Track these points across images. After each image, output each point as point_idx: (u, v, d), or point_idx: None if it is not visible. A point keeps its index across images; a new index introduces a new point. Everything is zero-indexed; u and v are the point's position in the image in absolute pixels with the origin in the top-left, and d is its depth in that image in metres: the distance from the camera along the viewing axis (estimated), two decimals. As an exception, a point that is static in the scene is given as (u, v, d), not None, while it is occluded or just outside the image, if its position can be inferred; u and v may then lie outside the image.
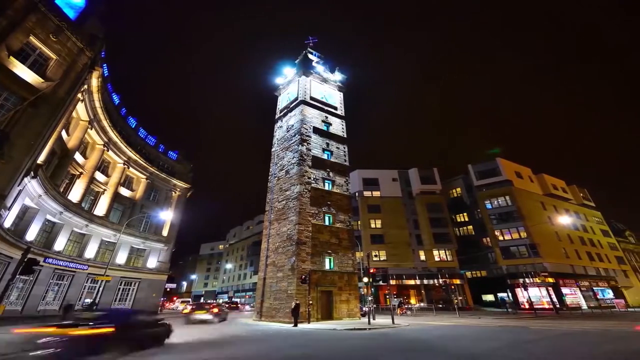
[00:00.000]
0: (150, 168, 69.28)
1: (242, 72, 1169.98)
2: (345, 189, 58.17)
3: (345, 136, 64.82)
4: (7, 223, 35.24)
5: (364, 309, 55.74)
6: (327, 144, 60.47)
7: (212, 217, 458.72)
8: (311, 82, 66.48)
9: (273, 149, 64.63)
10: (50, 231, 47.62)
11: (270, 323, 43.99)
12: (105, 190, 59.18)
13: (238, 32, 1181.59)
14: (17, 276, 26.91)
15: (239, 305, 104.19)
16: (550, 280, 79.10)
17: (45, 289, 45.45)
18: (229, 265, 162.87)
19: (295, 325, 38.28)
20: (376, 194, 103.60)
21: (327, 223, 52.73)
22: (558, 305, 72.02)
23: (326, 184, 56.21)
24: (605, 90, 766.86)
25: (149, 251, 65.91)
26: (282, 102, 70.83)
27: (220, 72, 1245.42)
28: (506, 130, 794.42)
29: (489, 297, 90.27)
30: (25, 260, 25.17)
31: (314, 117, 61.74)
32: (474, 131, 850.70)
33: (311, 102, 63.40)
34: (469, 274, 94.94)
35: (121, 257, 59.98)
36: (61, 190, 47.52)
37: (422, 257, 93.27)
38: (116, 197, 61.28)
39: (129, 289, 60.95)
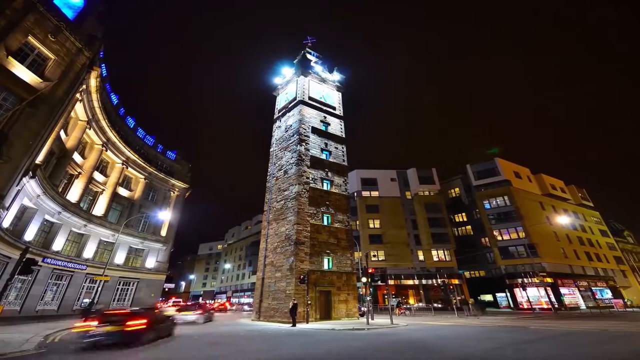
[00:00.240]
0: (149, 168, 69.33)
1: (241, 72, 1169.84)
2: (343, 189, 58.20)
3: (343, 136, 64.87)
4: (6, 223, 35.27)
5: (362, 309, 55.86)
6: (326, 144, 60.51)
7: (211, 217, 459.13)
8: (309, 82, 66.50)
9: (271, 149, 64.63)
10: (48, 231, 47.67)
11: (269, 323, 44.02)
12: (103, 190, 59.20)
13: (237, 32, 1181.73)
14: (16, 276, 26.93)
15: (231, 304, 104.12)
16: (549, 280, 79.24)
17: (43, 289, 45.51)
18: (227, 265, 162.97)
19: (294, 325, 38.28)
20: (375, 194, 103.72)
21: (325, 223, 52.76)
22: (556, 305, 72.24)
23: (325, 184, 56.25)
24: (606, 90, 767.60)
25: (148, 251, 65.95)
26: (280, 102, 70.82)
27: (219, 72, 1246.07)
28: (505, 130, 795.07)
29: (488, 297, 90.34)
30: (24, 260, 25.19)
31: (313, 117, 61.77)
32: (473, 131, 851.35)
33: (310, 102, 63.41)
34: (467, 274, 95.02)
35: (120, 257, 60.02)
36: (60, 190, 47.56)
37: (421, 257, 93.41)
38: (115, 197, 61.32)
39: (128, 289, 61.00)
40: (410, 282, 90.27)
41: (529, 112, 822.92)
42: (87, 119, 50.70)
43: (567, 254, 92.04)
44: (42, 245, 45.66)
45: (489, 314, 62.16)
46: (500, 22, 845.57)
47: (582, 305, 79.47)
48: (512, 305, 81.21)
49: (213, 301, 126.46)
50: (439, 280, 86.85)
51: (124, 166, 63.35)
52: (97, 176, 58.01)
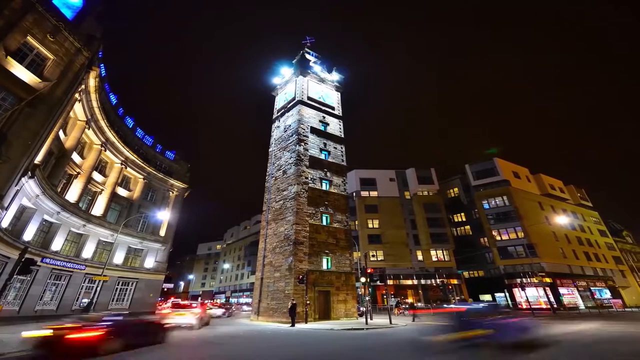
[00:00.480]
0: (148, 168, 69.26)
1: (241, 72, 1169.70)
2: (342, 189, 58.27)
3: (342, 136, 64.96)
4: (5, 223, 35.22)
5: (361, 309, 55.84)
6: (325, 144, 60.56)
7: (210, 217, 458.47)
8: (308, 82, 66.59)
9: (270, 149, 64.66)
10: (47, 231, 47.60)
11: (268, 323, 44.11)
12: (102, 190, 59.14)
13: (237, 32, 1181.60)
14: (15, 276, 26.91)
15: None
16: (548, 280, 79.32)
17: (42, 289, 45.40)
18: (226, 265, 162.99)
19: (293, 325, 38.29)
20: (373, 194, 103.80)
21: (324, 223, 52.83)
22: (555, 305, 72.30)
23: (323, 184, 56.30)
24: (606, 90, 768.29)
25: (147, 251, 65.91)
26: (279, 102, 70.88)
27: (218, 72, 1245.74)
28: (505, 130, 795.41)
29: (487, 297, 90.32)
30: (23, 260, 25.19)
31: (312, 117, 61.84)
32: (472, 131, 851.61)
33: (308, 102, 63.50)
34: (466, 274, 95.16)
35: (118, 257, 59.97)
36: (58, 190, 47.50)
37: (420, 257, 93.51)
38: (113, 197, 61.26)
39: (127, 289, 60.94)
40: (409, 282, 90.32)
41: (529, 112, 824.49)
42: (86, 119, 50.64)
43: (566, 254, 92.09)
44: (41, 245, 45.60)
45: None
46: (500, 22, 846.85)
47: (581, 305, 79.45)
48: (511, 305, 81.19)
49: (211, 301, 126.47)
50: (437, 280, 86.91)
51: (123, 166, 63.29)
52: (96, 176, 57.95)
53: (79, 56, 39.34)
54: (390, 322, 39.58)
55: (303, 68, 68.13)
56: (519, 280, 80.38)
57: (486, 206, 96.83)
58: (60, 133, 45.26)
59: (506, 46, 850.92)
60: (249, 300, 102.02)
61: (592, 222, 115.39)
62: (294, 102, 63.24)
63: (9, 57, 32.11)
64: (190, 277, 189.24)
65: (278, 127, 65.77)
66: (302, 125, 58.91)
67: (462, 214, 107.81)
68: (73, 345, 18.43)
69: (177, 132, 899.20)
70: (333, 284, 48.84)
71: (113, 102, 61.52)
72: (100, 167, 59.97)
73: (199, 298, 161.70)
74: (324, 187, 56.00)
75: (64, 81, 37.26)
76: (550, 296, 74.94)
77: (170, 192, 75.42)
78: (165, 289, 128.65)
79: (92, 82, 46.08)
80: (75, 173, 52.70)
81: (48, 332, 18.43)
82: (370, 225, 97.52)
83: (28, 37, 34.14)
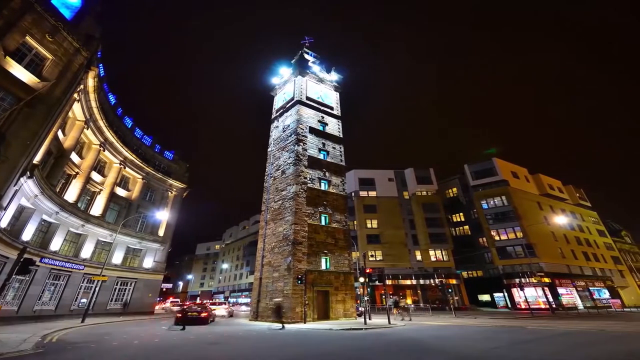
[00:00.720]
0: (147, 168, 69.36)
1: (240, 72, 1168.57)
2: (341, 189, 58.27)
3: (341, 136, 64.94)
4: (3, 223, 35.21)
5: (360, 308, 55.90)
6: (324, 144, 60.57)
7: (209, 217, 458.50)
8: (307, 82, 66.58)
9: (269, 149, 64.63)
10: (46, 231, 47.62)
11: (267, 323, 44.05)
12: (101, 190, 59.20)
13: (237, 32, 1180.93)
14: (14, 276, 26.87)
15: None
16: (547, 280, 79.35)
17: (41, 289, 45.38)
18: (225, 265, 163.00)
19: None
20: (372, 194, 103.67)
21: (323, 223, 52.85)
22: (554, 305, 72.27)
23: (322, 184, 56.31)
24: (606, 90, 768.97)
25: (145, 251, 65.98)
26: (278, 102, 70.87)
27: (218, 72, 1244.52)
28: (504, 130, 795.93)
29: (485, 297, 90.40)
30: (22, 260, 25.15)
31: (310, 117, 61.84)
32: (471, 131, 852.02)
33: (307, 102, 63.48)
34: (465, 274, 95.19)
35: (117, 257, 60.05)
36: (57, 190, 47.53)
37: (418, 257, 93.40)
38: (112, 197, 61.35)
39: (125, 288, 61.04)
40: (407, 282, 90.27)
41: (528, 112, 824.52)
42: (84, 119, 50.68)
43: (564, 254, 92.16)
44: (40, 245, 45.63)
45: (486, 314, 62.33)
46: (500, 23, 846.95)
47: (580, 305, 79.48)
48: (509, 305, 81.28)
49: (210, 301, 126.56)
50: (436, 280, 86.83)
51: (122, 166, 63.36)
52: (95, 176, 58.00)
53: (78, 56, 39.39)
54: (389, 322, 39.56)
55: (302, 68, 68.14)
56: (517, 280, 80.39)
57: (485, 206, 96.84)
58: (59, 133, 45.32)
59: (506, 46, 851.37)
60: (248, 300, 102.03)
61: (591, 222, 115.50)
62: (293, 102, 63.23)
63: (7, 57, 32.15)
64: (189, 277, 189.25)
65: (277, 127, 65.76)
66: (300, 125, 58.92)
67: (461, 214, 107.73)
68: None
69: (176, 132, 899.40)
70: (332, 284, 48.85)
71: (112, 102, 61.63)
72: (99, 167, 60.06)
73: (198, 298, 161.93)
74: (322, 187, 56.00)
75: (63, 81, 37.31)
76: (549, 296, 74.86)
77: (169, 192, 75.53)
78: (164, 289, 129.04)
79: (90, 82, 46.13)
80: (74, 173, 52.74)
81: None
82: (369, 225, 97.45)
83: (27, 37, 34.19)
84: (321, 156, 58.90)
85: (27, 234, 41.49)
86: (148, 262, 65.93)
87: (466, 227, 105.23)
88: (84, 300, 51.37)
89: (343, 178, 59.94)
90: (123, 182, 65.85)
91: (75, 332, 30.92)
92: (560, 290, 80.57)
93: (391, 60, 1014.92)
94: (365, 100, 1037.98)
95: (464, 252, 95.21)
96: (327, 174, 57.46)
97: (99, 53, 46.08)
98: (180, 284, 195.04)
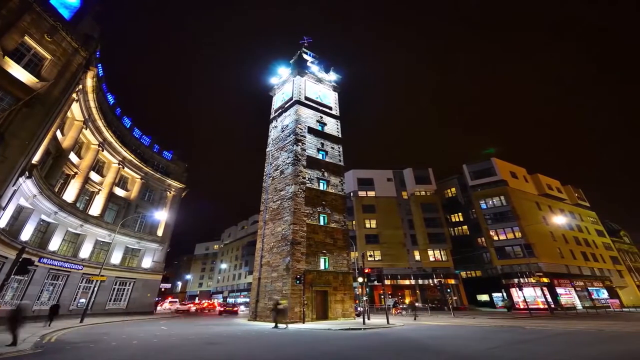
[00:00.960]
0: (145, 168, 69.39)
1: (238, 72, 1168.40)
2: (340, 189, 58.27)
3: (340, 136, 64.92)
4: (2, 223, 35.22)
5: (358, 308, 55.91)
6: (322, 144, 60.57)
7: (207, 217, 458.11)
8: (306, 82, 66.58)
9: (268, 149, 64.61)
10: (45, 231, 47.62)
11: (265, 323, 44.04)
12: (100, 190, 59.21)
13: (236, 32, 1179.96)
14: (12, 276, 26.92)
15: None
16: (545, 280, 79.34)
17: (40, 289, 45.44)
18: (223, 265, 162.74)
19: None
20: (371, 194, 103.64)
21: (321, 223, 52.84)
22: (553, 305, 72.31)
23: (321, 184, 56.30)
24: (603, 89, 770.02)
25: (144, 251, 66.01)
26: (276, 102, 70.86)
27: (216, 72, 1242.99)
28: (503, 130, 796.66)
29: (484, 297, 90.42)
30: (20, 260, 25.15)
31: (309, 117, 61.81)
32: (470, 131, 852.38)
33: (306, 102, 63.47)
34: (463, 274, 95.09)
35: (116, 257, 60.10)
36: (56, 190, 47.52)
37: (417, 257, 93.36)
38: (111, 197, 61.38)
39: (124, 288, 61.07)
40: (406, 282, 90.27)
41: (528, 112, 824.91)
42: (83, 119, 50.67)
43: (563, 254, 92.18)
44: (39, 245, 45.66)
45: (484, 314, 62.37)
46: (500, 23, 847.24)
47: (579, 305, 79.49)
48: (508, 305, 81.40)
49: (209, 301, 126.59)
50: (435, 280, 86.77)
51: (120, 166, 63.38)
52: (94, 176, 57.99)
53: (77, 56, 39.41)
54: (388, 322, 39.59)
55: (300, 68, 68.12)
56: (516, 280, 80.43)
57: (483, 206, 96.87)
58: (58, 133, 45.35)
59: (506, 46, 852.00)
60: (247, 300, 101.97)
61: (590, 222, 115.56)
62: (292, 102, 63.24)
63: (6, 57, 32.18)
64: (188, 277, 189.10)
65: (275, 127, 65.73)
66: (299, 125, 58.91)
67: (460, 214, 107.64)
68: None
69: (174, 132, 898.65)
70: (330, 284, 48.84)
71: (110, 102, 61.70)
72: (98, 167, 60.08)
73: (196, 298, 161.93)
74: (321, 187, 55.99)
75: (62, 81, 37.32)
76: (548, 296, 74.85)
77: (168, 192, 75.56)
78: (163, 289, 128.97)
79: (89, 82, 46.13)
80: (73, 173, 52.74)
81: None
82: (367, 225, 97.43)
83: (25, 37, 34.22)
84: (320, 156, 58.89)
85: (26, 234, 41.49)
86: (147, 262, 65.96)
87: (465, 227, 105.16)
88: (82, 300, 51.39)
89: (342, 178, 59.93)
90: (122, 182, 65.89)
91: (74, 332, 30.96)
92: (559, 290, 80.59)
93: (390, 60, 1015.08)
94: (364, 100, 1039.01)
95: (463, 252, 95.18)
96: (325, 174, 57.46)
97: (98, 53, 46.10)
98: (179, 284, 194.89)
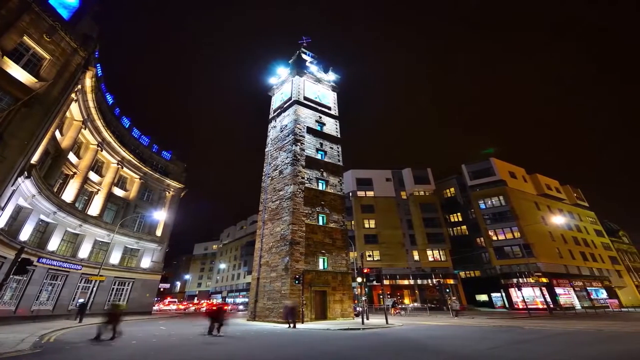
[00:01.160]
0: (144, 168, 69.36)
1: (238, 72, 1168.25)
2: (338, 189, 58.29)
3: (339, 136, 64.92)
4: (1, 223, 35.18)
5: (357, 308, 55.90)
6: (321, 144, 60.59)
7: (206, 217, 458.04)
8: (305, 82, 66.58)
9: (267, 149, 64.61)
10: (43, 231, 47.56)
11: (264, 323, 44.12)
12: (99, 190, 59.17)
13: (236, 32, 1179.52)
14: (11, 276, 26.91)
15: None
16: (544, 280, 79.47)
17: (39, 289, 45.36)
18: (222, 265, 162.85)
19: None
20: (370, 194, 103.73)
21: (320, 223, 52.85)
22: (552, 305, 72.38)
23: (320, 184, 56.31)
24: (603, 89, 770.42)
25: (143, 251, 65.98)
26: (275, 102, 70.88)
27: (215, 72, 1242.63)
28: (502, 130, 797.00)
29: (483, 297, 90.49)
30: (19, 260, 25.10)
31: (308, 117, 61.82)
32: (469, 131, 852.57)
33: (305, 102, 63.50)
34: (462, 274, 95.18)
35: (115, 257, 60.05)
36: (55, 190, 47.45)
37: (416, 257, 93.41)
38: (110, 197, 61.33)
39: (123, 289, 61.04)
40: (405, 282, 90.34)
41: (527, 113, 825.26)
42: (82, 119, 50.64)
43: (562, 254, 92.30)
44: (38, 245, 45.59)
45: (483, 314, 62.43)
46: (500, 22, 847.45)
47: (578, 305, 79.63)
48: (507, 305, 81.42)
49: (207, 301, 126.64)
50: (434, 280, 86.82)
51: (119, 166, 63.35)
52: (93, 176, 57.95)
53: (75, 56, 39.40)
54: (387, 322, 39.60)
55: (299, 68, 68.11)
56: (515, 280, 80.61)
57: (482, 206, 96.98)
58: (57, 133, 45.34)
59: (506, 46, 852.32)
60: (246, 300, 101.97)
61: (589, 222, 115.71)
62: (290, 102, 63.26)
63: (5, 57, 32.17)
64: (187, 277, 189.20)
65: (274, 127, 65.73)
66: (298, 125, 58.91)
67: (459, 214, 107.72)
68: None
69: (174, 132, 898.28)
70: (329, 284, 48.85)
71: (109, 102, 61.66)
72: (97, 167, 60.05)
73: (195, 298, 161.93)
74: (320, 187, 56.00)
75: (60, 81, 37.31)
76: (547, 296, 74.98)
77: (167, 192, 75.54)
78: (162, 289, 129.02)
79: (88, 82, 46.07)
80: (72, 173, 52.70)
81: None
82: (366, 225, 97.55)
83: (24, 37, 34.21)
84: (319, 156, 58.91)
85: (25, 234, 41.44)
86: (146, 262, 65.94)
87: (464, 227, 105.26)
88: (81, 300, 51.31)
89: (340, 178, 59.95)
90: (121, 182, 65.85)
91: (72, 332, 30.92)
92: (558, 290, 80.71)
93: (390, 60, 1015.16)
94: (363, 100, 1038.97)
95: (462, 252, 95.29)
96: (324, 174, 57.48)
97: (97, 53, 46.09)
98: (178, 284, 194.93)
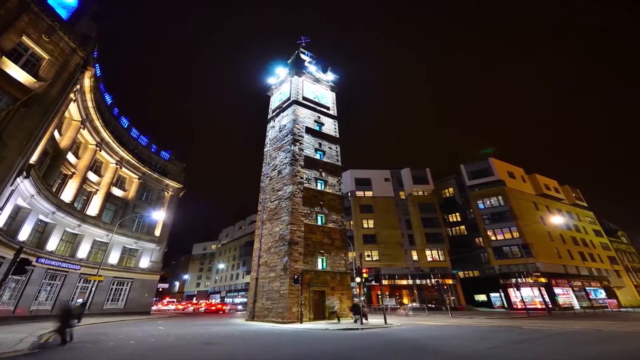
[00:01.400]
0: (143, 168, 69.36)
1: (238, 72, 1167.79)
2: (337, 189, 58.27)
3: (337, 136, 64.89)
4: (0, 223, 35.18)
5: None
6: (320, 144, 60.58)
7: (205, 217, 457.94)
8: (303, 82, 66.55)
9: (265, 149, 64.59)
10: (42, 231, 47.56)
11: (263, 323, 44.06)
12: (97, 190, 59.17)
13: (236, 31, 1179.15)
14: (10, 276, 26.91)
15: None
16: (543, 280, 79.52)
17: (37, 289, 45.41)
18: (221, 265, 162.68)
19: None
20: (368, 194, 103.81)
21: (319, 223, 52.83)
22: (550, 305, 72.43)
23: (319, 184, 56.29)
24: (604, 90, 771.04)
25: (142, 251, 65.97)
26: (274, 102, 70.84)
27: (215, 72, 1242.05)
28: (502, 130, 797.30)
29: (482, 297, 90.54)
30: (18, 260, 25.11)
31: (307, 117, 61.82)
32: (468, 131, 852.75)
33: (303, 102, 63.48)
34: (461, 274, 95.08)
35: (113, 257, 60.04)
36: (54, 190, 47.46)
37: (415, 257, 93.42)
38: (108, 197, 61.31)
39: (122, 288, 61.03)
40: (404, 282, 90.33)
41: (526, 113, 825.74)
42: (80, 119, 50.66)
43: (561, 254, 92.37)
44: (36, 245, 45.59)
45: (482, 314, 62.45)
46: (500, 22, 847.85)
47: (576, 305, 79.69)
48: (506, 305, 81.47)
49: (207, 301, 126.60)
50: (432, 280, 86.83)
51: (118, 166, 63.36)
52: (91, 176, 57.96)
53: (74, 56, 39.41)
54: (385, 322, 39.60)
55: (298, 68, 68.06)
56: (514, 280, 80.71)
57: (481, 206, 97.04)
58: (56, 133, 45.36)
59: (506, 46, 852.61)
60: (244, 300, 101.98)
61: (587, 222, 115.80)
62: (289, 102, 63.23)
63: (4, 57, 32.18)
64: (185, 277, 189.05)
65: (273, 127, 65.72)
66: (297, 125, 58.90)
67: (457, 214, 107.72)
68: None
69: (173, 132, 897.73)
70: (328, 284, 48.83)
71: (108, 102, 61.68)
72: (95, 167, 60.05)
73: (194, 298, 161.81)
74: (319, 187, 55.98)
75: (59, 81, 37.33)
76: (546, 296, 75.07)
77: (165, 192, 75.55)
78: (160, 289, 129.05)
79: (87, 82, 46.09)
80: (70, 173, 52.70)
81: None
82: (365, 225, 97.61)
83: (23, 37, 34.21)
84: (317, 156, 58.90)
85: (24, 234, 41.47)
86: (144, 262, 65.93)
87: (462, 227, 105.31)
88: (80, 300, 51.26)
89: (339, 178, 59.95)
90: (119, 182, 65.85)
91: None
92: (557, 290, 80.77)
93: (390, 60, 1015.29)
94: (363, 100, 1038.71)
95: (461, 252, 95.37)
96: (323, 174, 57.46)
97: (96, 53, 46.09)
98: (177, 284, 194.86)
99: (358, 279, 44.39)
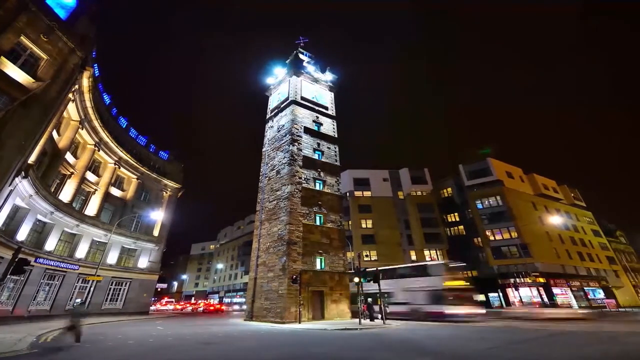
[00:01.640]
0: (141, 168, 69.32)
1: (237, 72, 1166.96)
2: (336, 189, 58.32)
3: (336, 136, 64.96)
4: (-2, 223, 35.22)
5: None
6: (318, 144, 60.59)
7: (203, 217, 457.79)
8: (302, 82, 66.54)
9: (264, 149, 64.63)
10: (41, 231, 47.56)
11: (261, 323, 44.12)
12: (96, 190, 59.15)
13: (234, 31, 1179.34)
14: (8, 276, 26.87)
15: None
16: (541, 280, 79.45)
17: (36, 289, 45.44)
18: (219, 265, 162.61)
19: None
20: (367, 194, 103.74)
21: (318, 223, 52.85)
22: (549, 305, 72.37)
23: (317, 184, 56.34)
24: (601, 89, 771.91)
25: (140, 251, 65.96)
26: (272, 102, 70.85)
27: (215, 72, 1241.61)
28: (502, 130, 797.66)
29: (480, 297, 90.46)
30: (16, 260, 25.10)
31: (305, 117, 61.83)
32: (466, 131, 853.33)
33: (302, 102, 63.47)
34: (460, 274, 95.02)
35: (112, 257, 60.01)
36: (52, 190, 47.47)
37: (413, 257, 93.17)
38: (107, 197, 61.29)
39: (120, 289, 61.01)
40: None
41: (528, 112, 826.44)
42: (79, 119, 50.64)
43: (559, 254, 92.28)
44: (35, 245, 45.56)
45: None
46: (499, 23, 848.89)
47: (575, 305, 79.47)
48: (504, 305, 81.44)
49: (205, 301, 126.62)
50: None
51: (117, 166, 63.33)
52: (90, 176, 57.94)
53: (73, 56, 39.38)
54: (384, 322, 39.67)
55: (296, 68, 68.07)
56: (512, 280, 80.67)
57: (480, 206, 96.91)
58: (54, 133, 45.33)
59: (505, 46, 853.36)
60: (243, 300, 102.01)
61: (586, 222, 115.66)
62: (288, 102, 63.22)
63: (2, 57, 32.19)
64: (184, 277, 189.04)
65: (271, 127, 65.72)
66: (295, 125, 58.91)
67: (456, 214, 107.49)
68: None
69: (172, 132, 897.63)
70: (327, 284, 48.89)
71: (106, 102, 61.68)
72: (94, 167, 60.02)
73: (192, 298, 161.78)
74: (317, 187, 56.03)
75: (58, 81, 37.32)
76: (544, 296, 75.16)
77: (164, 192, 75.53)
78: (159, 289, 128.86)
79: (85, 82, 46.10)
80: (69, 173, 52.68)
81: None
82: (363, 225, 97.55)
83: (21, 37, 34.20)
84: (316, 156, 58.93)
85: (22, 234, 41.46)
86: (143, 262, 65.92)
87: (461, 227, 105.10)
88: (78, 300, 51.20)
89: (338, 178, 59.99)
90: (118, 182, 65.82)
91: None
92: (555, 290, 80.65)
93: (388, 60, 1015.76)
94: (362, 100, 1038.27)
95: (459, 252, 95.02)
96: (321, 174, 57.48)
97: (94, 53, 46.13)
98: (175, 284, 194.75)
99: (357, 279, 44.45)
